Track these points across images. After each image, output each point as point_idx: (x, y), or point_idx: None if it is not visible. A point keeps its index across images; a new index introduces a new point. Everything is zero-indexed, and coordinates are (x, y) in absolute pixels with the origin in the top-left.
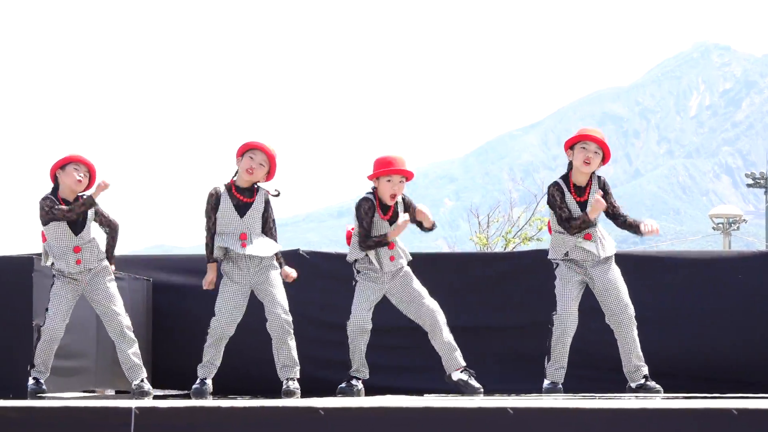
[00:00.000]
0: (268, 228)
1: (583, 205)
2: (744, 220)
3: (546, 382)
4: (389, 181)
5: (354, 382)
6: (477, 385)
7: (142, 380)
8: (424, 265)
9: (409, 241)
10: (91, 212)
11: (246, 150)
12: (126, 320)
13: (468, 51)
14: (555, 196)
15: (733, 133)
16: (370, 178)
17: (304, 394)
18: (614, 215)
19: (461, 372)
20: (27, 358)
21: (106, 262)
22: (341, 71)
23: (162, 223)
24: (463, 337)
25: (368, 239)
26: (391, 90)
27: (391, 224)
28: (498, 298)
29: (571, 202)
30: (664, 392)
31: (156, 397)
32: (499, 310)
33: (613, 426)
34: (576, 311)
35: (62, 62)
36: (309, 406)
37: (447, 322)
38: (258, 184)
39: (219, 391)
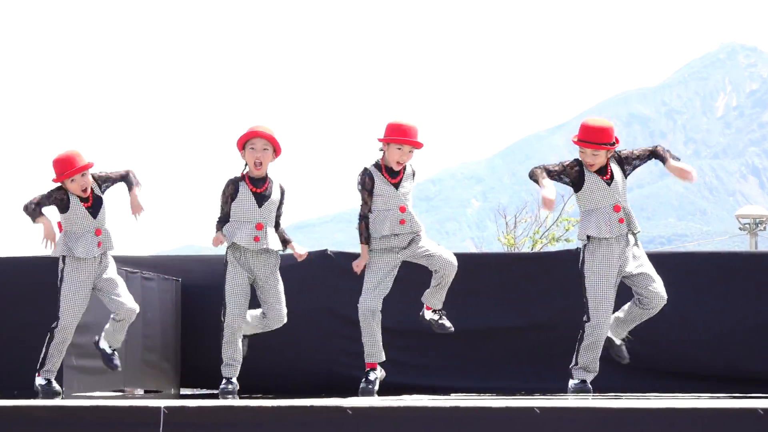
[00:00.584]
0: (278, 216)
1: None
2: None
3: (574, 381)
4: (399, 149)
5: (371, 376)
6: (448, 324)
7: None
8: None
9: (434, 238)
10: (104, 196)
11: (245, 142)
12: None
13: (496, 53)
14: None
15: (760, 133)
16: (381, 141)
17: (334, 392)
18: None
19: (433, 312)
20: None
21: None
22: (372, 74)
23: (191, 223)
24: (491, 337)
25: (360, 222)
26: (419, 91)
27: (397, 188)
28: (525, 297)
29: None
30: (692, 392)
31: (185, 397)
32: (526, 310)
33: (638, 425)
34: (611, 300)
35: (97, 66)
36: (337, 406)
37: (477, 322)
38: (269, 175)
39: (246, 391)
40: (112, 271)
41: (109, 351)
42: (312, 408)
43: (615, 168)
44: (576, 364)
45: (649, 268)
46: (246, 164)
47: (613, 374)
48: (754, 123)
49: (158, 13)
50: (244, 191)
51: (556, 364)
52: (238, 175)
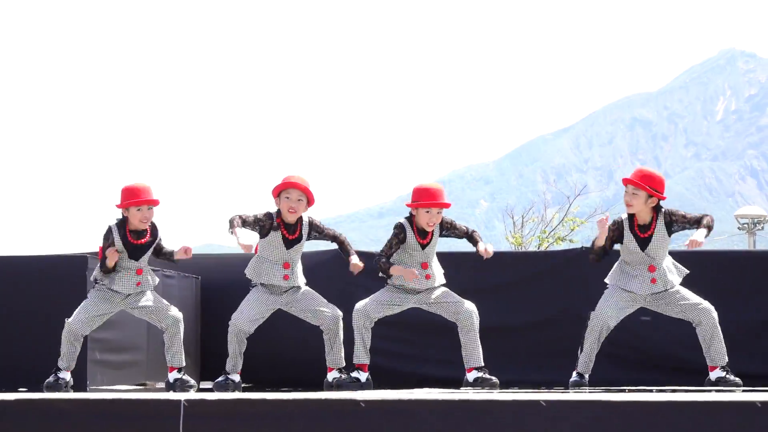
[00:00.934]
0: (330, 235)
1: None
2: None
3: (573, 375)
4: (428, 212)
5: (355, 373)
6: (494, 379)
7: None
8: (460, 263)
9: (444, 240)
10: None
11: (280, 192)
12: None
13: (503, 58)
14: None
15: (758, 137)
16: (410, 206)
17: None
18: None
19: (478, 371)
20: (81, 354)
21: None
22: (385, 79)
23: (210, 223)
24: (498, 334)
25: (380, 258)
26: (430, 95)
27: (425, 248)
28: (532, 295)
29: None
30: (694, 386)
31: (205, 390)
32: (533, 307)
33: (640, 418)
34: (614, 312)
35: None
36: (351, 399)
37: (482, 319)
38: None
39: (260, 383)
40: (147, 299)
41: (192, 382)
42: (326, 401)
43: (660, 227)
44: (580, 351)
45: (680, 292)
46: (278, 210)
47: (615, 368)
48: (752, 126)
49: (183, 14)
50: (275, 234)
51: (561, 359)
52: (275, 212)
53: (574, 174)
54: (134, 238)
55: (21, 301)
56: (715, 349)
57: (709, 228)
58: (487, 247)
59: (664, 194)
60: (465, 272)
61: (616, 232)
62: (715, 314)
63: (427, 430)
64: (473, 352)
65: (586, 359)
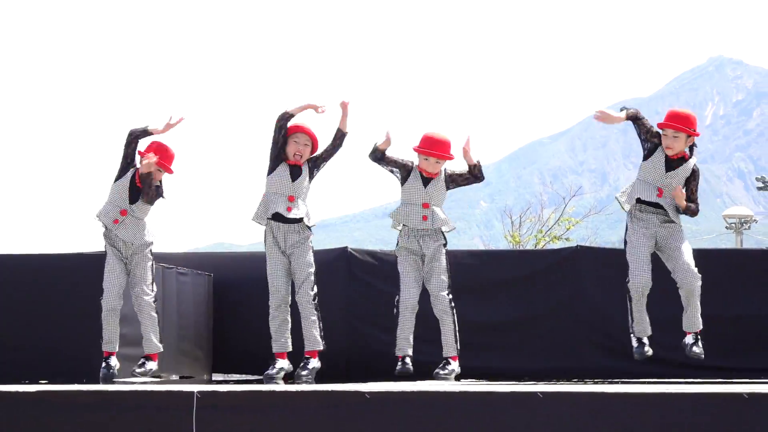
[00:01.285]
0: (324, 157)
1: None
2: (755, 220)
3: (634, 344)
4: (426, 160)
5: (406, 361)
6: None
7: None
8: (461, 260)
9: (448, 239)
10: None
11: (290, 135)
12: (150, 299)
13: (503, 65)
14: None
15: (745, 140)
16: (415, 150)
17: (352, 377)
18: None
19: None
20: (99, 347)
21: (149, 249)
22: (390, 84)
23: (222, 222)
24: (494, 328)
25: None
26: (431, 102)
27: (426, 186)
28: (529, 291)
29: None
30: (687, 378)
31: (216, 382)
32: (529, 303)
33: (631, 408)
34: (644, 272)
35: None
36: (356, 391)
37: (482, 314)
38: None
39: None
40: (141, 264)
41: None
42: (333, 393)
43: (687, 164)
44: (631, 321)
45: (682, 246)
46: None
47: (604, 359)
48: (739, 130)
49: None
50: (282, 167)
51: (556, 349)
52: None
53: (570, 176)
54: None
55: (44, 296)
56: (689, 315)
57: (690, 212)
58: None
59: (695, 128)
60: (464, 269)
61: (652, 141)
62: (697, 283)
63: (427, 419)
64: (447, 341)
65: (639, 327)
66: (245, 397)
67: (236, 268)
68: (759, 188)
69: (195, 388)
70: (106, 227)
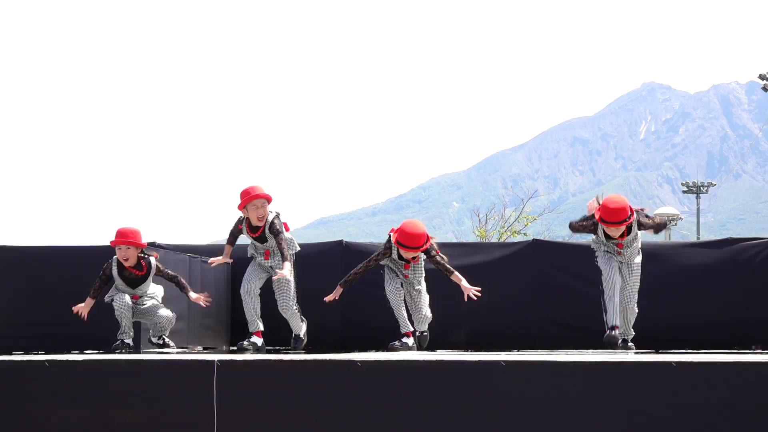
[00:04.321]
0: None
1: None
2: (680, 218)
3: (608, 331)
4: (404, 250)
5: (405, 339)
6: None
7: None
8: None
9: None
10: (151, 275)
11: (246, 204)
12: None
13: (473, 85)
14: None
15: (672, 152)
16: (394, 241)
17: (346, 349)
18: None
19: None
20: (137, 325)
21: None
22: (381, 97)
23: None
24: (466, 307)
25: (359, 271)
26: (415, 113)
27: (407, 271)
28: (494, 277)
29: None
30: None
31: (234, 352)
32: (495, 287)
33: (585, 376)
34: (614, 269)
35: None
36: (349, 360)
37: (457, 295)
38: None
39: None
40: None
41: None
42: (329, 362)
43: (631, 235)
44: (605, 312)
45: (633, 279)
46: (246, 217)
47: (555, 330)
48: (668, 144)
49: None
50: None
51: (513, 330)
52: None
53: (527, 181)
54: (128, 275)
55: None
56: (625, 324)
57: (659, 228)
58: (469, 288)
59: (629, 213)
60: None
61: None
62: (632, 293)
63: (408, 385)
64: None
65: (611, 314)
66: (257, 365)
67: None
68: (684, 191)
69: (215, 357)
70: None
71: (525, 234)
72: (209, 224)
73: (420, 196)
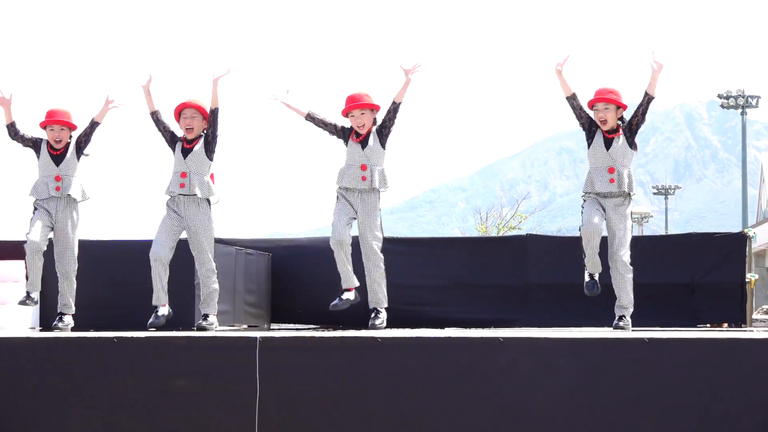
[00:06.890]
0: (211, 148)
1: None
2: (651, 216)
3: (586, 278)
4: (353, 116)
5: (344, 296)
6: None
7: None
8: (445, 245)
9: (433, 228)
10: (72, 146)
11: (177, 114)
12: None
13: (474, 98)
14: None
15: (644, 160)
16: (342, 114)
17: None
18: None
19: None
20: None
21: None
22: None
23: (279, 214)
24: (469, 290)
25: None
26: (427, 126)
27: (364, 148)
28: (493, 264)
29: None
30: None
31: (274, 330)
32: (493, 272)
33: (558, 350)
34: (596, 222)
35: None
36: (370, 336)
37: (461, 277)
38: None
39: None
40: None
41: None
42: (351, 338)
43: (622, 136)
44: (585, 257)
45: (619, 230)
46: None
47: (544, 312)
48: (640, 153)
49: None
50: (178, 147)
51: (512, 307)
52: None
53: (522, 185)
54: (52, 149)
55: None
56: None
57: (651, 85)
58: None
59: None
60: (450, 251)
61: (587, 119)
62: (625, 269)
63: (419, 360)
64: (374, 294)
65: (590, 262)
66: (293, 340)
67: (289, 249)
68: (654, 193)
69: (258, 334)
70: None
71: (519, 229)
72: (251, 222)
73: (430, 197)
